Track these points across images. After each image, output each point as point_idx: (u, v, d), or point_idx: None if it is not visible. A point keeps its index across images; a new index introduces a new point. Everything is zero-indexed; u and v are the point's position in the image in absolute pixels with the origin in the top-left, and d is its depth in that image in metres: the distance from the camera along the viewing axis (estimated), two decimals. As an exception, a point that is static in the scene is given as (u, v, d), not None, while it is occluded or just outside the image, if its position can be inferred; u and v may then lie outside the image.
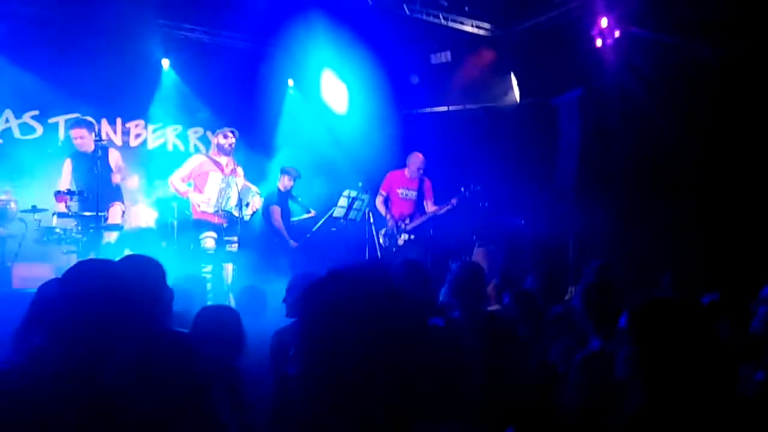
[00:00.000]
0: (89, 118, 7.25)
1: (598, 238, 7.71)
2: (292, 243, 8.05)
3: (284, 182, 8.22)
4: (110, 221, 6.84)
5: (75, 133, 6.85)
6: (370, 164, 9.17)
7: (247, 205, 7.27)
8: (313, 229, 8.32)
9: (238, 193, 7.14)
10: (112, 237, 6.91)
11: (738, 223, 6.47)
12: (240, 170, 7.47)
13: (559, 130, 8.07)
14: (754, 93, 6.26)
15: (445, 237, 8.44)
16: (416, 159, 8.19)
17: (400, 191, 8.20)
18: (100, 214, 6.42)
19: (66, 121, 8.60)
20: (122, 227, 7.06)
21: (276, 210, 8.06)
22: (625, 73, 6.85)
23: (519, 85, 8.52)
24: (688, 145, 6.58)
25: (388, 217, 8.14)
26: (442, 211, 7.99)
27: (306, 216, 8.46)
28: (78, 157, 6.88)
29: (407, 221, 8.13)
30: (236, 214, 7.06)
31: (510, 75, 8.51)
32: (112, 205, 6.92)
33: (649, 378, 1.83)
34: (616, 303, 3.14)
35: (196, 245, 7.08)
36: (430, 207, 8.18)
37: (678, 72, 6.43)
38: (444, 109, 9.53)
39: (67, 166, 6.93)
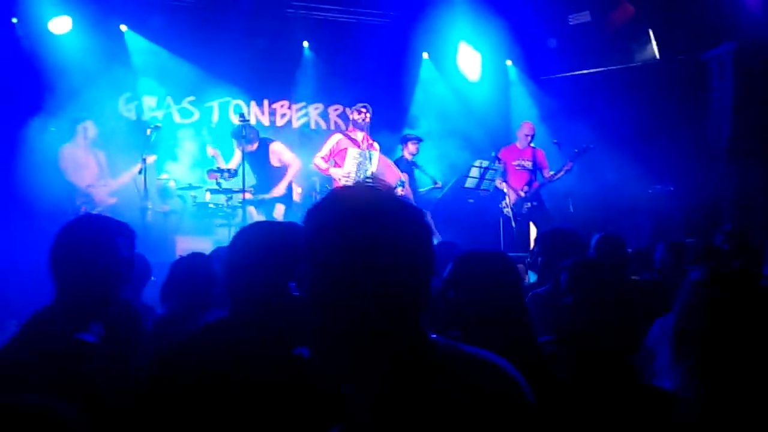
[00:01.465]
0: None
1: (756, 203, 7.12)
2: (437, 184, 8.30)
3: (408, 150, 8.33)
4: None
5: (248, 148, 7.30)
6: (505, 133, 9.05)
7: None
8: (439, 196, 8.34)
9: (378, 167, 7.36)
10: (279, 212, 7.41)
11: None
12: (376, 145, 7.67)
13: (709, 88, 7.47)
14: None
15: (589, 203, 8.21)
16: (524, 127, 8.18)
17: (515, 163, 8.14)
18: (247, 189, 6.88)
19: (220, 104, 9.30)
20: (277, 199, 7.50)
21: (404, 176, 8.20)
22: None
23: (661, 40, 7.97)
24: None
25: (506, 189, 8.04)
26: (559, 176, 7.83)
27: (433, 187, 8.49)
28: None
29: (526, 188, 8.05)
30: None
31: (648, 31, 7.98)
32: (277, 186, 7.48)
33: None
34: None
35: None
36: (547, 174, 8.04)
37: None
38: (584, 72, 9.14)
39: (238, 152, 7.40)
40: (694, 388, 1.65)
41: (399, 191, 7.62)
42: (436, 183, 8.45)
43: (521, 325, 2.21)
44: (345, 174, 7.31)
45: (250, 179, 7.35)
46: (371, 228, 1.12)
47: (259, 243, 2.01)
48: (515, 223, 7.76)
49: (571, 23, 8.98)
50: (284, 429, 1.75)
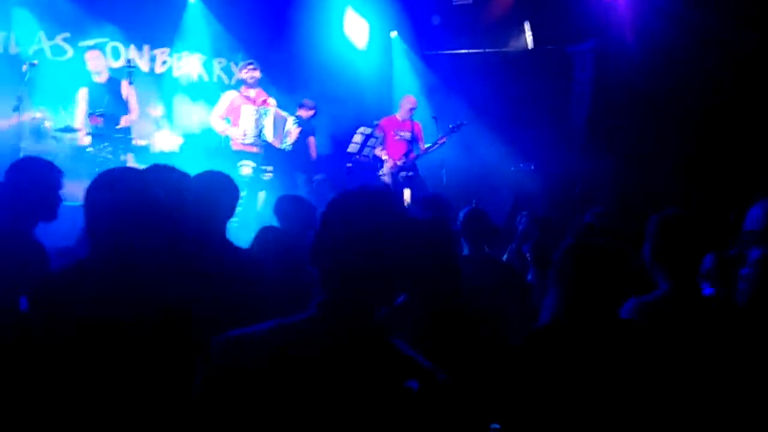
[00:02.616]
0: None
1: (603, 185, 8.01)
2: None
3: (303, 115, 8.48)
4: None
5: (89, 55, 7.18)
6: (388, 103, 9.41)
7: (287, 134, 7.63)
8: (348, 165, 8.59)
9: (274, 122, 7.48)
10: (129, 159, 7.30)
11: (742, 175, 6.69)
12: (272, 100, 7.75)
13: (573, 78, 8.27)
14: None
15: (459, 178, 8.78)
16: (408, 101, 8.49)
17: (394, 133, 8.51)
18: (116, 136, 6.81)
19: (96, 44, 8.89)
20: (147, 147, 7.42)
21: (311, 140, 8.38)
22: (636, 27, 7.02)
23: (536, 31, 8.66)
24: (694, 100, 6.79)
25: (385, 157, 8.45)
26: (433, 148, 8.32)
27: None
28: (93, 87, 7.23)
29: (403, 159, 8.46)
30: (275, 143, 7.44)
31: (524, 22, 8.65)
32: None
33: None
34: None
35: (233, 173, 7.46)
36: (422, 146, 8.50)
37: (687, 27, 6.60)
38: (464, 51, 9.69)
39: (83, 94, 7.24)
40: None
41: (295, 130, 7.76)
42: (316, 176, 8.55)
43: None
44: (242, 133, 7.38)
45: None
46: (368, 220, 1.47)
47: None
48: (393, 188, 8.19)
49: (454, 3, 9.46)
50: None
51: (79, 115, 7.21)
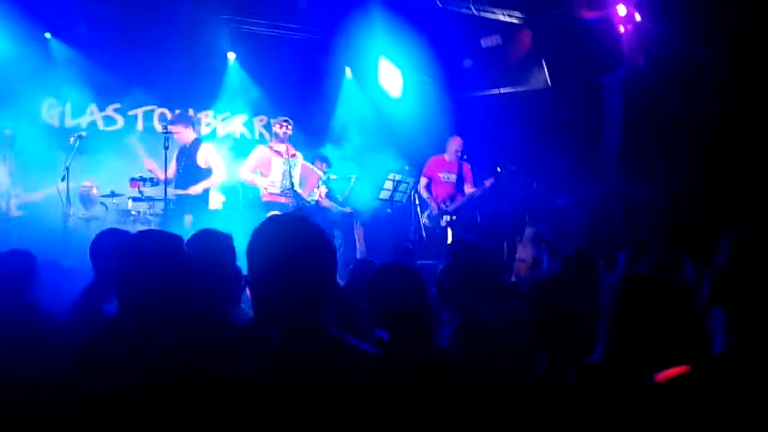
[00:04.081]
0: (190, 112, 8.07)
1: (643, 215, 7.86)
2: (347, 209, 8.67)
3: (317, 167, 8.68)
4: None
5: (173, 129, 7.38)
6: (423, 148, 9.54)
7: (314, 190, 7.92)
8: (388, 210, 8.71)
9: (303, 173, 7.77)
10: (188, 221, 7.59)
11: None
12: (299, 154, 8.05)
13: (604, 109, 8.22)
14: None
15: (496, 218, 8.75)
16: (454, 142, 8.52)
17: (441, 175, 8.55)
18: (169, 197, 7.10)
19: (144, 112, 9.48)
20: (186, 210, 7.69)
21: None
22: (654, 55, 6.97)
23: (558, 66, 8.69)
24: (724, 121, 6.65)
25: (430, 200, 8.53)
26: (479, 192, 8.31)
27: (343, 211, 8.79)
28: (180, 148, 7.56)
29: (448, 202, 8.48)
30: (304, 194, 7.73)
31: (542, 60, 8.70)
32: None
33: None
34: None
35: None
36: (469, 189, 8.50)
37: (712, 50, 6.52)
38: (495, 92, 9.78)
39: (175, 156, 7.54)
40: None
41: (322, 189, 8.04)
42: (345, 207, 8.72)
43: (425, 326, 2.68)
44: (271, 182, 7.68)
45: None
46: (289, 245, 1.75)
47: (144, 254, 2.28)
48: (432, 233, 8.26)
49: (483, 46, 9.60)
50: None
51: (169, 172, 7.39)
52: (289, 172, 7.66)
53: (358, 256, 8.02)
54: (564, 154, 8.45)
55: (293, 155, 7.90)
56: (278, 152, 7.84)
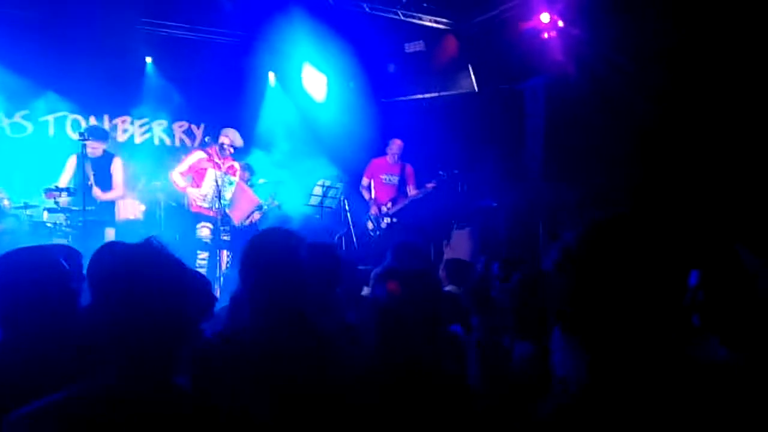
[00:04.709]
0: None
1: (564, 219, 8.09)
2: (274, 202, 8.48)
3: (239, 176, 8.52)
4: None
5: (90, 143, 7.06)
6: (350, 152, 9.52)
7: (250, 216, 7.74)
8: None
9: (235, 195, 7.59)
10: (110, 235, 7.29)
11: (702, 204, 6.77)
12: (236, 165, 7.84)
13: (525, 114, 8.44)
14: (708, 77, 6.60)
15: (426, 221, 8.83)
16: (394, 145, 8.62)
17: (383, 177, 8.60)
18: (88, 208, 6.77)
19: (56, 119, 9.03)
20: (107, 223, 7.41)
21: None
22: (576, 61, 7.22)
23: (483, 72, 8.87)
24: (651, 128, 6.95)
25: (371, 201, 8.54)
26: (421, 195, 8.40)
27: (271, 203, 8.66)
28: (83, 157, 7.18)
29: (389, 205, 8.52)
30: (233, 216, 7.55)
31: (468, 66, 8.87)
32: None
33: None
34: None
35: (191, 234, 7.53)
36: (411, 191, 8.57)
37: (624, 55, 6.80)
38: (419, 96, 9.87)
39: (71, 162, 7.20)
40: None
41: (256, 215, 7.88)
42: (273, 201, 8.59)
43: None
44: (202, 195, 7.44)
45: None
46: (140, 280, 1.52)
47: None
48: (374, 236, 8.24)
49: (407, 51, 9.67)
50: None
51: (63, 178, 7.17)
52: (224, 188, 7.45)
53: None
54: (489, 157, 8.62)
55: (230, 168, 7.70)
56: (216, 164, 7.63)
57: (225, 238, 7.51)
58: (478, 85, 8.81)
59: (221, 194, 7.40)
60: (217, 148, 7.72)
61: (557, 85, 8.05)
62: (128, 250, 1.61)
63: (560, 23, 7.23)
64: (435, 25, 9.10)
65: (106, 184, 7.31)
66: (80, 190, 6.80)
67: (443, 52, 9.07)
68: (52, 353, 2.10)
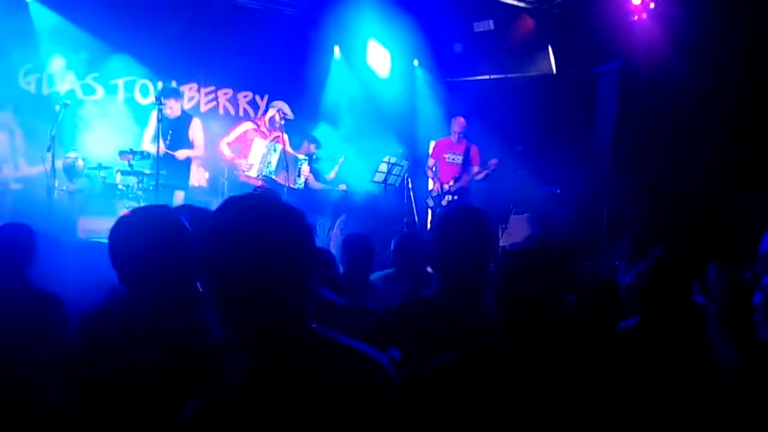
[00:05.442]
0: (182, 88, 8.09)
1: (632, 210, 7.93)
2: (342, 186, 8.50)
3: (305, 148, 8.47)
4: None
5: (166, 102, 7.16)
6: (415, 131, 9.47)
7: (299, 173, 7.73)
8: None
9: (286, 161, 7.54)
10: (179, 198, 7.39)
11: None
12: (285, 138, 7.85)
13: (598, 100, 8.26)
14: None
15: (485, 203, 8.75)
16: (456, 123, 8.54)
17: (446, 156, 8.55)
18: (161, 172, 6.86)
19: (125, 82, 9.15)
20: (177, 185, 7.49)
21: (309, 175, 8.44)
22: (661, 46, 7.00)
23: (558, 55, 8.69)
24: (725, 118, 6.72)
25: (434, 180, 8.52)
26: (482, 174, 8.32)
27: (338, 189, 8.69)
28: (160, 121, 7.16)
29: (451, 183, 8.48)
30: (281, 181, 7.52)
31: (548, 47, 8.68)
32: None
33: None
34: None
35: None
36: (475, 170, 8.50)
37: (714, 43, 6.57)
38: (486, 77, 9.74)
39: (154, 117, 7.20)
40: None
41: (305, 169, 7.83)
42: (339, 186, 8.58)
43: None
44: (248, 165, 7.48)
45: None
46: (256, 235, 1.35)
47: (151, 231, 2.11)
48: (421, 217, 8.22)
49: (476, 30, 9.53)
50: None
51: (147, 135, 7.33)
52: (268, 156, 7.47)
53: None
54: (555, 143, 8.48)
55: (277, 138, 7.71)
56: (263, 132, 7.66)
57: None
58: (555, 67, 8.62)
59: (268, 163, 7.41)
60: (266, 120, 7.76)
61: (633, 70, 7.84)
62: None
63: (652, 5, 7.00)
64: (515, 3, 8.89)
65: (184, 145, 7.39)
66: (155, 153, 6.88)
67: (517, 31, 8.90)
68: (174, 313, 2.11)
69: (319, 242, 6.73)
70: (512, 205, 9.12)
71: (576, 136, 8.63)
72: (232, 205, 1.41)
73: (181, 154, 7.34)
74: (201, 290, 1.92)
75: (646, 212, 7.61)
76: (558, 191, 8.72)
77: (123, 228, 2.17)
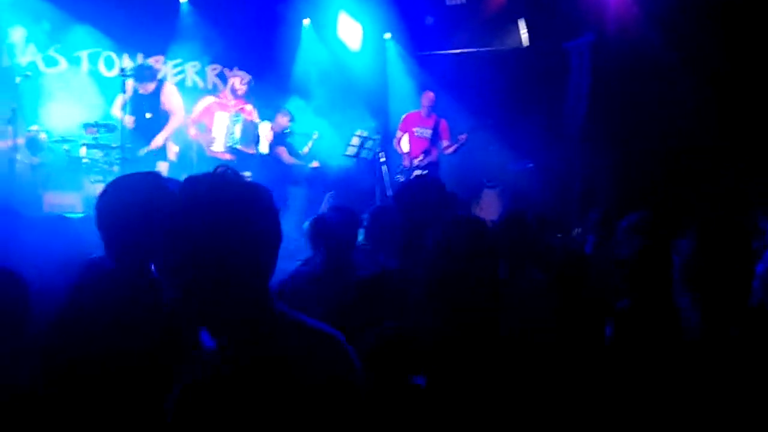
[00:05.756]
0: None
1: (602, 184, 7.99)
2: (315, 163, 8.41)
3: (277, 122, 8.32)
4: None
5: (140, 87, 6.95)
6: (387, 105, 9.39)
7: (260, 138, 7.60)
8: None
9: (243, 128, 7.42)
10: (162, 169, 7.17)
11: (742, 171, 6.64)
12: (249, 107, 7.72)
13: (570, 74, 8.26)
14: None
15: (457, 177, 8.74)
16: (425, 98, 8.47)
17: (415, 130, 8.47)
18: (127, 146, 6.69)
19: (89, 54, 8.89)
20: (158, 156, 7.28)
21: (282, 150, 8.35)
22: (634, 20, 7.01)
23: (530, 29, 8.66)
24: (697, 94, 6.77)
25: (403, 155, 8.46)
26: (452, 149, 8.29)
27: (311, 166, 8.62)
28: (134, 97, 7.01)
29: (421, 157, 8.42)
30: (246, 149, 7.40)
31: (520, 20, 8.64)
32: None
33: None
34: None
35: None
36: (444, 145, 8.46)
37: (690, 19, 6.59)
38: (458, 51, 9.67)
39: (130, 86, 6.96)
40: None
41: (267, 133, 7.69)
42: (312, 162, 8.50)
43: None
44: (212, 138, 7.37)
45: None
46: (218, 213, 1.35)
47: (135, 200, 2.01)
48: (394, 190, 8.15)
49: (447, 3, 9.44)
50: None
51: (117, 102, 7.00)
52: (230, 126, 7.35)
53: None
54: (528, 117, 8.47)
55: (241, 109, 7.58)
56: (225, 105, 7.53)
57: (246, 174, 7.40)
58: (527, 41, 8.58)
59: (231, 134, 7.30)
60: (228, 91, 7.64)
61: (605, 45, 7.85)
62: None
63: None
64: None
65: (159, 119, 7.15)
66: (119, 126, 6.70)
67: (489, 5, 8.84)
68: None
69: (293, 213, 6.68)
70: (486, 180, 9.13)
71: (548, 110, 8.64)
72: (190, 186, 1.41)
73: (159, 139, 7.08)
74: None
75: (616, 186, 7.67)
76: (530, 165, 8.74)
77: (113, 193, 2.07)
